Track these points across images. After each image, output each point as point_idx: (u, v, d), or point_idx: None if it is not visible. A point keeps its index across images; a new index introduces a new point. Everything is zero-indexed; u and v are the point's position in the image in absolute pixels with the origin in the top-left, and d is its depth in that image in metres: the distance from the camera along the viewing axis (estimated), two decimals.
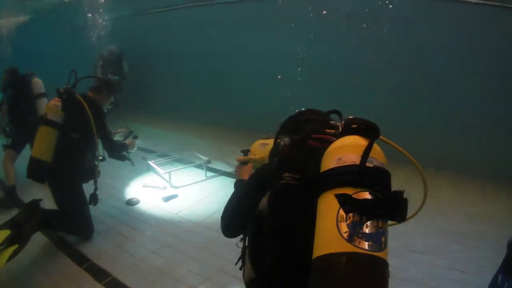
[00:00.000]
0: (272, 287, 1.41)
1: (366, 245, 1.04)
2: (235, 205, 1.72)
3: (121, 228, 4.04)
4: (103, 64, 8.13)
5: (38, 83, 5.08)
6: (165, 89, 8.61)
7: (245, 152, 2.15)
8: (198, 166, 5.70)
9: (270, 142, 1.96)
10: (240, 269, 1.78)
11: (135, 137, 4.48)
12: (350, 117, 1.34)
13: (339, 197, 1.11)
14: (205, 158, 5.62)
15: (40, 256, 3.52)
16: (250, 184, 1.65)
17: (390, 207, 1.11)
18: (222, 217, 1.78)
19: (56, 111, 3.54)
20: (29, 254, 3.44)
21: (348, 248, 1.04)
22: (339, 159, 1.19)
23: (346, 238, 1.05)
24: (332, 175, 1.18)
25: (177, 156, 6.08)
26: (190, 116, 7.97)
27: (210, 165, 5.74)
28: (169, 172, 5.13)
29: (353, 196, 1.10)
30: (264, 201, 1.46)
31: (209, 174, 5.53)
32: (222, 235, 1.74)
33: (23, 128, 4.85)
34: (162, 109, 8.63)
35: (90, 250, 3.61)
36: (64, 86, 3.64)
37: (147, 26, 8.51)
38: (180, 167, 5.45)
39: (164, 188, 5.03)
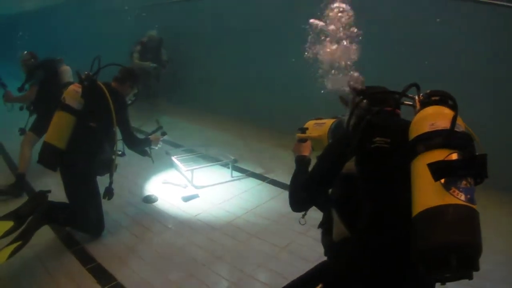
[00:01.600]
0: (370, 241, 1.53)
1: (464, 197, 1.22)
2: (313, 176, 1.80)
3: (134, 228, 3.76)
4: (141, 50, 7.85)
5: (67, 71, 4.93)
6: (199, 81, 8.22)
7: (303, 130, 2.24)
8: (224, 165, 5.36)
9: (326, 121, 2.16)
10: (322, 233, 1.90)
11: (163, 134, 4.19)
12: (428, 90, 1.56)
13: (432, 165, 1.26)
14: (232, 157, 5.27)
15: (44, 252, 3.28)
16: (331, 152, 1.76)
17: (478, 167, 1.27)
18: (292, 192, 1.91)
19: (75, 97, 3.33)
20: (33, 249, 3.20)
21: (452, 200, 1.21)
22: (432, 124, 1.37)
23: (448, 191, 1.22)
24: (427, 138, 1.35)
25: (202, 152, 5.74)
26: (223, 111, 7.62)
27: (237, 164, 5.40)
28: (192, 170, 4.80)
29: (446, 158, 1.28)
30: (350, 165, 1.60)
31: (235, 174, 5.17)
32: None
33: (47, 113, 4.67)
34: (194, 101, 8.27)
35: (97, 249, 3.34)
36: (86, 72, 3.43)
37: (186, 13, 8.18)
38: (204, 165, 5.12)
39: (185, 186, 4.72)
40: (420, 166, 1.31)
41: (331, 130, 2.08)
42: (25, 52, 5.02)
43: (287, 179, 4.97)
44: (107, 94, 3.29)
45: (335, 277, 1.69)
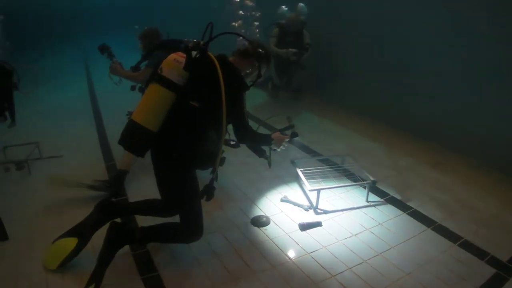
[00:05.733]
0: None
1: None
2: None
3: (229, 258, 3.13)
4: (279, 33, 7.15)
5: None
6: (352, 74, 7.11)
7: None
8: (361, 185, 4.36)
9: None
10: None
11: (293, 135, 3.44)
12: None
13: None
14: (372, 178, 4.23)
15: (109, 274, 2.72)
16: None
17: None
18: None
19: (175, 68, 2.65)
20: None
21: None
22: None
23: None
24: None
25: (338, 165, 4.78)
26: (377, 116, 6.54)
27: (377, 185, 4.33)
28: (318, 190, 3.98)
29: None
30: None
31: (372, 198, 4.19)
32: None
33: None
34: (346, 100, 7.20)
35: (175, 281, 2.82)
36: (195, 40, 2.80)
37: None
38: (334, 186, 4.23)
39: (308, 209, 3.95)
40: None
41: None
42: (147, 27, 4.59)
43: (433, 213, 3.91)
44: (218, 69, 2.61)
45: None
